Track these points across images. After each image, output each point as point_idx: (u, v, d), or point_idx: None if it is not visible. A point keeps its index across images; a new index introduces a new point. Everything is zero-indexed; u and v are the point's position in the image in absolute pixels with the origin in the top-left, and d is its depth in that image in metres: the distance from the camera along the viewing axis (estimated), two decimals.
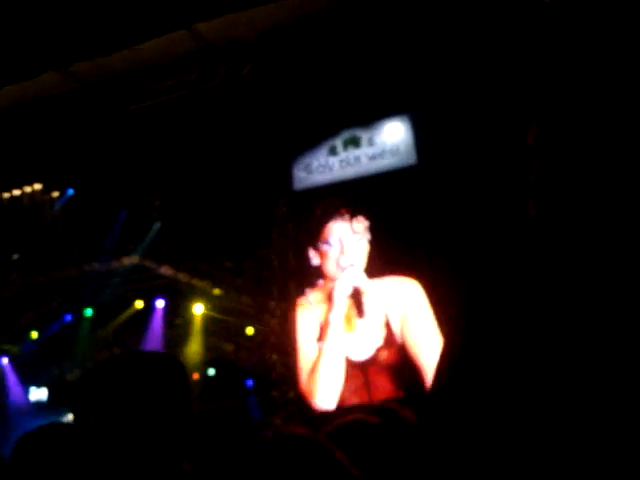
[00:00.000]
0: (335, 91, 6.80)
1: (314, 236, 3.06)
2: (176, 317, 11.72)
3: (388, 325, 3.08)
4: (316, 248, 3.08)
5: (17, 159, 7.94)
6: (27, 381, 10.62)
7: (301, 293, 3.52)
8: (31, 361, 10.98)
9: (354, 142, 7.06)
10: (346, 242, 2.99)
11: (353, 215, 3.04)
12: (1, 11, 5.70)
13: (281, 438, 0.90)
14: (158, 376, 1.39)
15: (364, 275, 2.99)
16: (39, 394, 10.33)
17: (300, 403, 3.24)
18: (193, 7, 6.10)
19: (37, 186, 8.74)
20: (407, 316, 3.04)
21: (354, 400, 3.04)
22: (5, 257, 9.44)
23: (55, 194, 8.94)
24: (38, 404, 10.31)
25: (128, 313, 11.59)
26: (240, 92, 7.07)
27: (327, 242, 3.01)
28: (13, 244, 9.19)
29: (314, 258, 3.14)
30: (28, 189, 8.72)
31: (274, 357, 7.39)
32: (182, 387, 1.42)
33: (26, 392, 10.58)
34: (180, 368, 1.48)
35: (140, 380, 1.36)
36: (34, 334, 11.30)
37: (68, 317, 11.50)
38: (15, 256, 9.34)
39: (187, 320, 11.49)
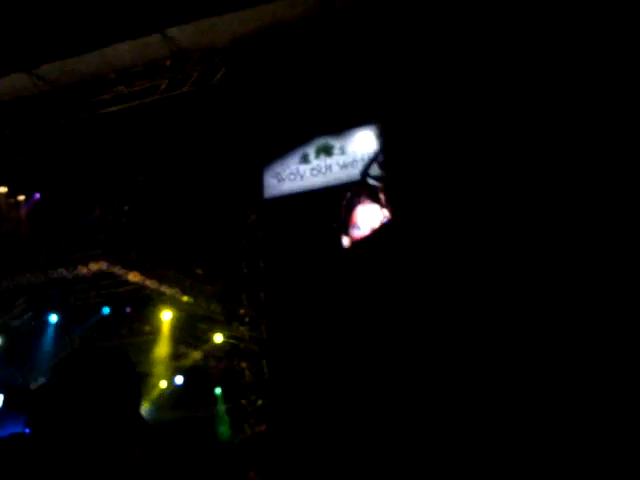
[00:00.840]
0: (308, 99, 6.80)
1: (345, 222, 3.10)
2: (144, 324, 11.58)
3: None
4: (347, 233, 3.12)
5: None
6: None
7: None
8: None
9: (326, 150, 7.06)
10: (375, 225, 3.04)
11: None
12: None
13: None
14: (106, 372, 1.39)
15: None
16: None
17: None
18: (167, 12, 6.07)
19: (2, 189, 8.59)
20: None
21: None
22: None
23: (21, 197, 8.79)
24: None
25: (95, 320, 11.43)
26: (212, 98, 7.05)
27: (356, 226, 3.06)
28: None
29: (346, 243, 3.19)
30: None
31: (243, 364, 7.34)
32: (130, 380, 1.42)
33: None
34: (126, 360, 1.48)
35: (89, 377, 1.36)
36: None
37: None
38: None
39: (155, 327, 11.36)
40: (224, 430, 10.66)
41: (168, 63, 6.90)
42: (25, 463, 1.63)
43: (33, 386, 10.65)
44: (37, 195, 8.84)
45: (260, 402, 7.03)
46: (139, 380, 1.48)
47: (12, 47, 6.11)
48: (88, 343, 11.33)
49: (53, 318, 11.47)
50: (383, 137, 0.85)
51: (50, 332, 11.54)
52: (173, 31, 6.46)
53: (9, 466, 1.64)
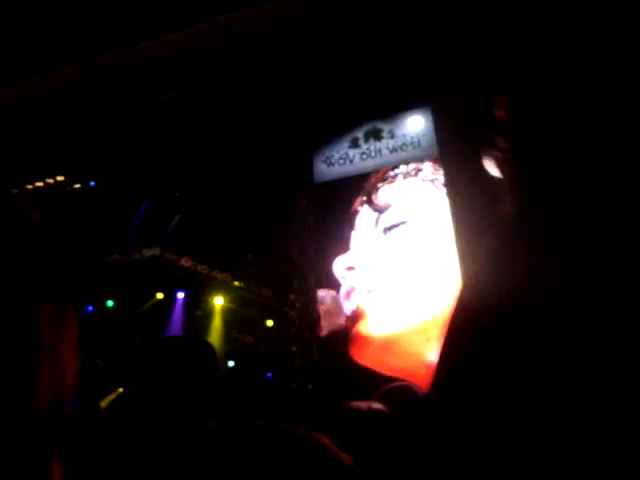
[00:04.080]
0: (357, 83, 6.76)
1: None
2: (196, 309, 11.78)
3: None
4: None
5: (40, 151, 8.01)
6: None
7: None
8: None
9: (375, 134, 7.01)
10: None
11: None
12: (25, 4, 5.74)
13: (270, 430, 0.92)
14: (188, 359, 1.40)
15: None
16: None
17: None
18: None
19: (59, 178, 8.80)
20: None
21: None
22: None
23: (77, 186, 9.01)
24: None
25: (149, 304, 11.68)
26: (261, 83, 7.06)
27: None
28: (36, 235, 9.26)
29: None
30: (50, 181, 8.79)
31: (293, 349, 7.40)
32: (212, 369, 1.43)
33: None
34: (209, 349, 1.49)
35: (169, 364, 1.37)
36: None
37: (89, 308, 11.62)
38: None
39: (207, 312, 11.54)
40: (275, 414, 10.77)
41: (217, 50, 6.94)
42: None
43: (90, 367, 10.98)
44: (92, 183, 9.04)
45: (310, 387, 7.07)
46: (219, 370, 1.49)
47: (66, 39, 6.24)
48: (142, 328, 11.60)
49: (109, 303, 11.79)
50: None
51: (106, 317, 11.85)
52: (221, 18, 6.49)
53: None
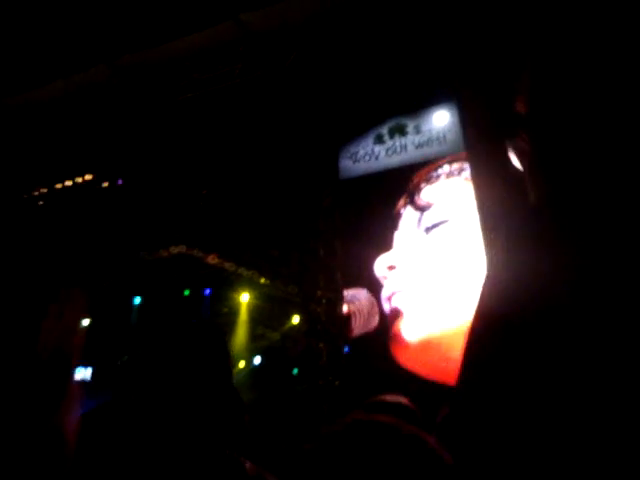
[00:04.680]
0: (381, 79, 6.74)
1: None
2: (222, 306, 11.85)
3: None
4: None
5: (68, 150, 8.12)
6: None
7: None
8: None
9: (400, 130, 7.00)
10: None
11: None
12: (49, 6, 5.82)
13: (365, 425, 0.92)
14: (196, 345, 1.41)
15: None
16: (83, 373, 10.66)
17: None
18: None
19: (88, 177, 8.92)
20: None
21: None
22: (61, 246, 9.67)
23: (105, 184, 9.11)
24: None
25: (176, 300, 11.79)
26: (286, 80, 7.08)
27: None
28: (65, 233, 9.41)
29: None
30: (79, 180, 8.91)
31: (320, 345, 7.41)
32: (221, 352, 1.43)
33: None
34: (218, 333, 1.49)
35: (179, 351, 1.38)
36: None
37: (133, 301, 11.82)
38: None
39: (233, 309, 11.61)
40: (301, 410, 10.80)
41: (241, 48, 6.96)
42: (115, 433, 1.69)
43: (118, 362, 11.12)
44: (119, 181, 9.13)
45: (337, 383, 7.07)
46: (228, 351, 1.49)
47: (93, 40, 6.31)
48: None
49: (136, 299, 11.92)
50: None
51: (133, 313, 11.98)
52: (246, 16, 6.50)
53: (100, 436, 1.69)
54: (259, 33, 6.76)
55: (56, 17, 5.91)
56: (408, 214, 6.37)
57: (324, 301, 7.37)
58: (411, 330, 6.00)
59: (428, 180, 6.35)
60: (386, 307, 6.29)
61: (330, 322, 7.21)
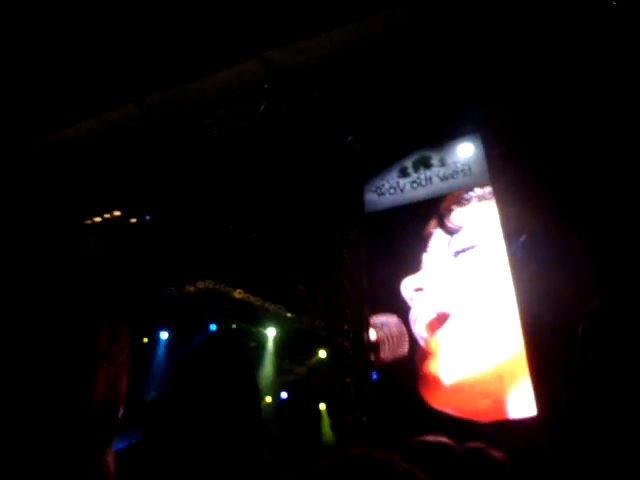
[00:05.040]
0: (405, 112, 6.78)
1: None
2: (249, 340, 11.84)
3: None
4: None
5: (97, 187, 8.26)
6: None
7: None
8: None
9: (425, 163, 7.01)
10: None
11: None
12: (78, 45, 5.97)
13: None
14: (227, 376, 1.40)
15: None
16: None
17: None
18: (264, 36, 6.23)
19: (117, 213, 9.04)
20: None
21: None
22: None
23: (133, 220, 9.23)
24: None
25: (203, 336, 11.81)
26: (310, 116, 7.15)
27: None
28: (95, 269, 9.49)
29: None
30: (108, 216, 9.04)
31: (347, 380, 7.34)
32: (251, 388, 1.43)
33: None
34: (247, 368, 1.48)
35: (210, 381, 1.38)
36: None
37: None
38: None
39: (260, 343, 11.59)
40: (328, 445, 10.68)
41: (266, 85, 7.06)
42: (147, 470, 1.69)
43: (148, 398, 11.13)
44: (147, 217, 9.25)
45: (365, 419, 6.98)
46: (257, 385, 1.48)
47: (123, 79, 6.46)
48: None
49: (164, 335, 11.96)
50: None
51: (161, 349, 12.02)
52: (270, 54, 6.61)
53: (132, 473, 1.68)
54: (283, 70, 6.85)
55: (84, 56, 6.06)
56: (438, 236, 6.35)
57: (351, 335, 7.32)
58: (442, 372, 5.88)
59: (459, 203, 6.33)
60: (414, 330, 6.23)
61: (357, 356, 7.15)
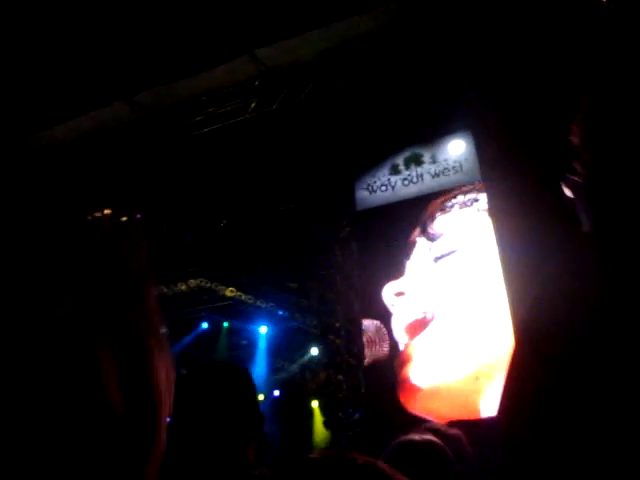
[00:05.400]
0: (395, 109, 6.78)
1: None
2: (241, 338, 11.83)
3: None
4: None
5: (87, 186, 8.22)
6: None
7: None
8: None
9: (416, 160, 7.01)
10: None
11: None
12: (69, 44, 5.94)
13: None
14: (225, 388, 1.40)
15: None
16: None
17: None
18: (254, 33, 6.22)
19: (107, 211, 9.00)
20: None
21: None
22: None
23: (124, 219, 9.18)
24: None
25: (194, 334, 11.80)
26: (301, 113, 7.14)
27: None
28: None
29: None
30: (98, 215, 8.99)
31: (339, 377, 7.34)
32: (248, 395, 1.43)
33: None
34: (245, 376, 1.48)
35: (206, 393, 1.38)
36: None
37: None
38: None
39: (252, 341, 11.58)
40: (321, 443, 10.69)
41: (257, 82, 7.05)
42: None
43: None
44: (138, 215, 9.19)
45: (357, 416, 6.99)
46: (255, 394, 1.48)
47: (113, 77, 6.43)
48: (188, 358, 11.68)
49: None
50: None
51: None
52: (261, 51, 6.60)
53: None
54: (274, 68, 6.84)
55: (74, 55, 6.03)
56: (421, 243, 6.34)
57: (343, 332, 7.33)
58: (417, 378, 5.89)
59: (442, 210, 6.32)
60: (395, 335, 6.27)
61: (349, 354, 7.16)
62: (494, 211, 0.87)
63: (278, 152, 7.60)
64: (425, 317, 6.01)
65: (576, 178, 0.74)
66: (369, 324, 6.69)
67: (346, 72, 6.71)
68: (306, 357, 11.33)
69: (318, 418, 11.11)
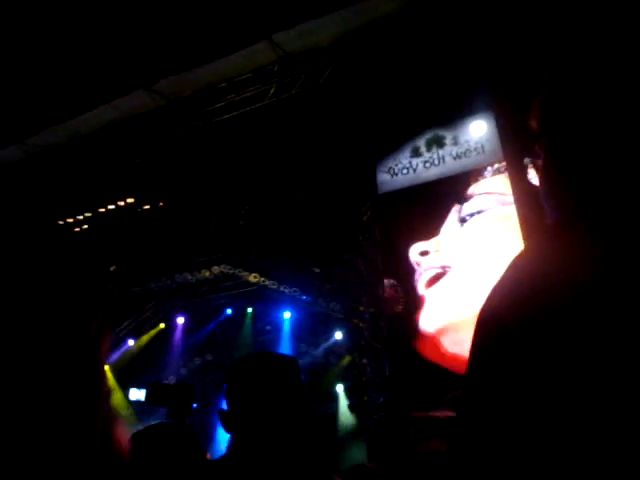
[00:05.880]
0: (416, 91, 6.72)
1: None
2: (265, 323, 11.89)
3: None
4: None
5: (110, 175, 8.29)
6: (125, 383, 11.12)
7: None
8: (129, 366, 11.45)
9: (438, 142, 6.95)
10: None
11: None
12: (90, 33, 5.97)
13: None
14: (289, 377, 1.43)
15: None
16: (138, 394, 10.83)
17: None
18: (272, 18, 6.19)
19: (129, 200, 9.08)
20: None
21: None
22: (103, 269, 9.84)
23: (146, 207, 9.26)
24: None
25: (219, 320, 11.89)
26: (321, 98, 7.11)
27: None
28: (110, 256, 9.58)
29: None
30: (121, 203, 9.08)
31: (364, 361, 7.36)
32: (302, 383, 1.46)
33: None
34: (297, 366, 1.51)
35: (262, 380, 1.40)
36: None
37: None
38: (112, 268, 9.75)
39: (276, 326, 11.63)
40: (346, 426, 10.73)
41: (275, 68, 7.03)
42: (170, 448, 1.73)
43: (165, 382, 11.26)
44: (160, 203, 9.27)
45: (382, 399, 7.00)
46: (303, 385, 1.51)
47: (133, 66, 6.45)
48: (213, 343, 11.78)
49: (180, 320, 12.05)
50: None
51: (178, 333, 12.12)
52: (278, 36, 6.57)
53: (157, 450, 1.73)
54: (292, 53, 6.81)
55: (95, 46, 6.06)
56: (455, 209, 6.57)
57: (366, 316, 7.33)
58: (427, 319, 6.21)
59: (477, 180, 6.56)
60: (417, 289, 6.53)
61: (373, 337, 7.17)
62: (514, 188, 0.86)
63: (298, 137, 7.59)
64: (444, 272, 6.31)
65: (538, 161, 0.74)
66: (386, 283, 6.91)
67: (365, 55, 6.66)
68: (330, 341, 11.36)
69: (343, 402, 11.16)
